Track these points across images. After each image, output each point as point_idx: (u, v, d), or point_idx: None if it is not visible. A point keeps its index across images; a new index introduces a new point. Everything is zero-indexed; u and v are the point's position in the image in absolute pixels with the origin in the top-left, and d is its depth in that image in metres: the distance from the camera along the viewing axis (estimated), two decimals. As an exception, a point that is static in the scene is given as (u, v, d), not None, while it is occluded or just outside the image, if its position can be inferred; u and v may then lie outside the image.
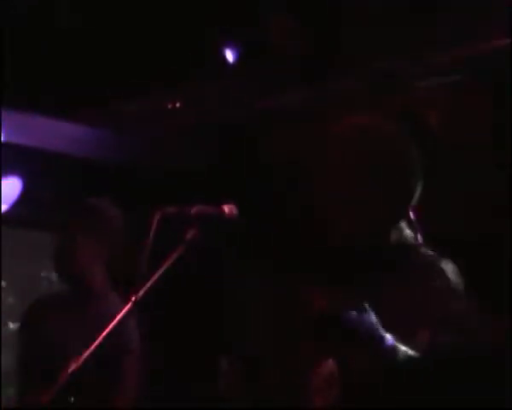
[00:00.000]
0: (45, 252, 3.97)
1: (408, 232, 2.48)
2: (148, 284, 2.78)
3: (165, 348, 5.43)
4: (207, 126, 5.57)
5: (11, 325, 5.70)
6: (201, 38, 4.92)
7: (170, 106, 5.31)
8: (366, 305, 2.17)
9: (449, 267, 2.39)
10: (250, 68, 5.07)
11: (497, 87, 4.42)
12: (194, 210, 2.86)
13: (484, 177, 4.49)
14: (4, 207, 5.42)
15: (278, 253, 5.23)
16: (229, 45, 4.89)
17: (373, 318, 2.16)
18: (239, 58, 4.89)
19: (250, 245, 5.39)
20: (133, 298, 2.77)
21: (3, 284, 5.94)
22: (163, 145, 5.79)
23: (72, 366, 2.73)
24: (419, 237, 2.50)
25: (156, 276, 2.80)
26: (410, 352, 2.17)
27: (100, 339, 2.72)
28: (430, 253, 2.43)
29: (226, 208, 2.90)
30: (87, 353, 2.72)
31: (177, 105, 5.31)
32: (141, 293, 2.77)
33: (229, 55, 4.86)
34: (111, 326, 2.74)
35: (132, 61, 5.03)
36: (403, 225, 2.48)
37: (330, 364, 2.35)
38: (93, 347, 2.71)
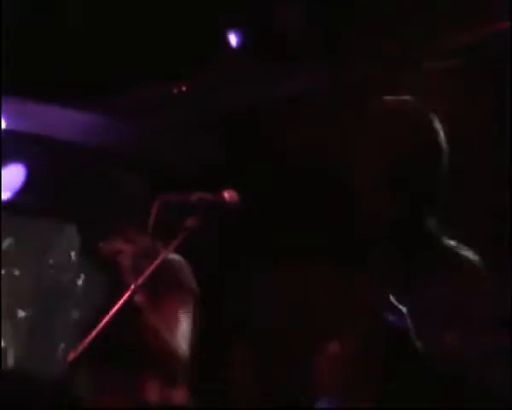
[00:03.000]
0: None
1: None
2: (148, 272, 2.76)
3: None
4: (212, 114, 5.52)
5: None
6: (207, 23, 4.88)
7: (176, 90, 5.25)
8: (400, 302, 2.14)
9: (477, 264, 2.31)
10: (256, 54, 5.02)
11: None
12: (194, 197, 2.83)
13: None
14: (7, 195, 5.40)
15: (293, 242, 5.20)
16: (234, 29, 4.85)
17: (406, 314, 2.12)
18: (243, 42, 4.85)
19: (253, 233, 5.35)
20: (133, 286, 2.75)
21: (17, 272, 5.90)
22: (166, 134, 5.74)
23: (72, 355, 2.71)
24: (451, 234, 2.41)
25: (156, 263, 2.77)
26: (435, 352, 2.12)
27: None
28: (462, 250, 2.34)
29: (226, 195, 2.87)
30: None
31: (183, 89, 5.24)
32: (141, 280, 2.76)
33: (233, 39, 4.81)
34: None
35: (134, 49, 4.99)
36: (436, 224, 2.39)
37: (335, 346, 2.33)
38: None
